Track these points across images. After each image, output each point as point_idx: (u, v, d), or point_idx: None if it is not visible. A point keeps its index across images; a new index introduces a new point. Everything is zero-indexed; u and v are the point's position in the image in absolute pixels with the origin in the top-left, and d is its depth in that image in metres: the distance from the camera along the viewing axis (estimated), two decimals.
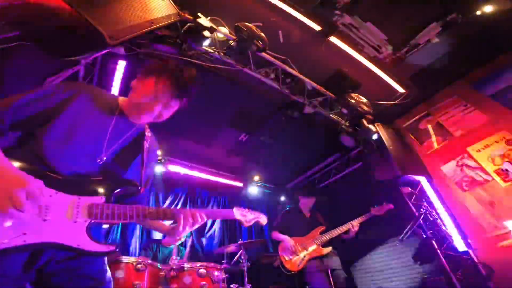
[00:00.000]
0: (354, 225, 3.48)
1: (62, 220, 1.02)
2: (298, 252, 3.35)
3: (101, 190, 1.14)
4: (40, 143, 1.09)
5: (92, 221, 1.07)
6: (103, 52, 2.70)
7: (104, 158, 1.23)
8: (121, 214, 1.13)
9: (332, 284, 3.18)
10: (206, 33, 2.98)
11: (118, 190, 1.20)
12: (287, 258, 3.34)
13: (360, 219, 3.56)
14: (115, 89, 3.63)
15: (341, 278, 3.33)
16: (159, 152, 1.67)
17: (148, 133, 1.46)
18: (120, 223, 3.41)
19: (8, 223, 0.90)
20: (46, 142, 1.09)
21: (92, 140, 1.22)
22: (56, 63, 2.72)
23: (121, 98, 1.42)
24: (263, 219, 1.71)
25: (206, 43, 3.10)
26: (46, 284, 1.04)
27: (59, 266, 1.06)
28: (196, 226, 1.32)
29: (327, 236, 3.47)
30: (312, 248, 3.39)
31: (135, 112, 1.32)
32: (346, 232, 3.49)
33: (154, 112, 1.29)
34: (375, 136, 4.08)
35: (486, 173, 3.67)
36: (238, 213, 1.59)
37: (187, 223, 1.27)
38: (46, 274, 1.04)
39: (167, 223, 1.46)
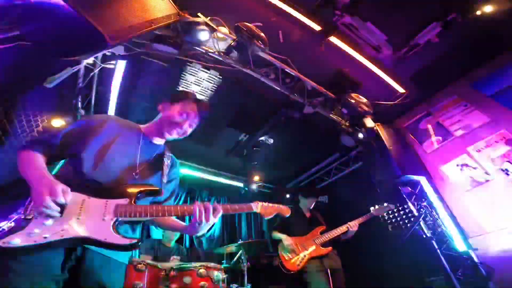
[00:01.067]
0: (352, 225, 3.47)
1: (93, 219, 1.22)
2: (298, 252, 3.34)
3: (125, 193, 1.35)
4: (81, 161, 1.34)
5: (119, 219, 1.27)
6: (103, 52, 2.70)
7: (138, 174, 1.46)
8: (143, 211, 1.32)
9: (332, 284, 3.18)
10: (206, 33, 2.98)
11: (140, 192, 1.39)
12: (286, 258, 3.33)
13: (360, 220, 3.55)
14: (115, 89, 3.63)
15: (341, 278, 3.33)
16: (181, 171, 1.90)
17: (168, 153, 1.71)
18: None
19: (49, 222, 1.12)
20: (85, 160, 1.34)
21: (126, 156, 1.47)
22: (56, 63, 2.72)
23: (141, 125, 1.70)
24: (286, 211, 1.82)
25: (206, 43, 3.10)
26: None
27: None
28: (214, 219, 1.43)
29: (327, 236, 3.46)
30: (312, 247, 3.39)
31: (166, 130, 1.62)
32: (345, 233, 3.48)
33: (184, 129, 1.65)
34: (362, 135, 4.08)
35: (486, 173, 3.67)
36: (258, 206, 1.70)
37: (201, 216, 1.39)
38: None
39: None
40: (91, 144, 1.40)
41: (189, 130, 1.70)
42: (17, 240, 1.04)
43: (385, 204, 3.70)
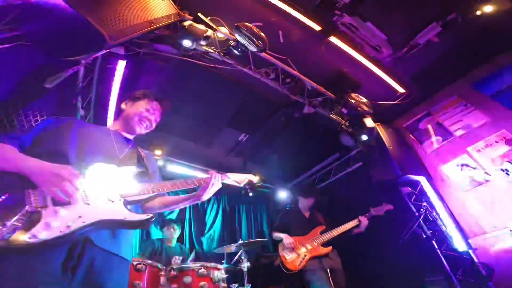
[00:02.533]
0: (348, 226, 3.52)
1: (102, 202, 1.23)
2: (298, 251, 3.35)
3: (122, 175, 1.41)
4: (63, 155, 1.31)
5: (126, 198, 1.32)
6: (103, 52, 2.70)
7: (121, 157, 1.54)
8: (145, 188, 1.42)
9: (332, 284, 3.18)
10: (206, 33, 2.98)
11: (136, 173, 1.49)
12: (287, 257, 3.33)
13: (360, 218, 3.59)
14: (115, 89, 3.62)
15: (341, 278, 3.33)
16: (157, 162, 2.09)
17: (140, 149, 1.80)
18: None
19: (63, 211, 1.08)
20: (67, 154, 1.32)
21: (104, 147, 1.52)
22: (56, 63, 2.72)
23: (107, 125, 1.87)
24: (254, 178, 2.03)
25: (206, 43, 3.10)
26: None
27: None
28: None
29: (327, 236, 3.47)
30: (312, 247, 3.39)
31: (136, 124, 1.75)
32: (357, 226, 3.55)
33: (151, 122, 1.82)
34: (366, 137, 4.08)
35: (486, 173, 3.67)
36: (231, 178, 1.90)
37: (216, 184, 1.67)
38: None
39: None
40: (69, 140, 1.39)
41: (154, 125, 1.85)
42: (42, 233, 0.97)
43: (384, 204, 3.73)
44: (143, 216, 1.27)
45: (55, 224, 1.02)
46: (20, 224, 0.96)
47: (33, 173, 1.11)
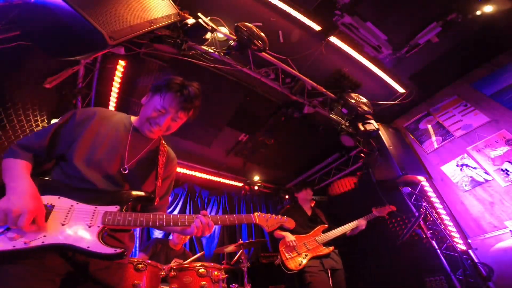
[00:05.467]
0: (351, 226, 3.52)
1: (79, 225, 1.16)
2: (300, 250, 3.33)
3: (116, 200, 1.29)
4: (69, 162, 1.29)
5: (106, 227, 1.19)
6: (103, 52, 2.70)
7: (126, 169, 1.38)
8: (132, 220, 1.24)
9: (332, 284, 3.17)
10: (206, 33, 2.98)
11: (132, 200, 1.33)
12: (288, 257, 3.31)
13: (364, 219, 3.60)
14: (115, 89, 3.63)
15: (341, 278, 3.32)
16: (178, 169, 1.72)
17: (163, 148, 1.58)
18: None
19: (31, 227, 1.05)
20: (74, 160, 1.28)
21: (114, 153, 1.38)
22: (56, 63, 2.72)
23: (132, 117, 1.57)
24: (289, 223, 1.77)
25: (206, 43, 3.10)
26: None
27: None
28: (208, 233, 1.38)
29: (329, 235, 3.46)
30: (313, 246, 3.38)
31: (146, 128, 1.46)
32: (352, 230, 3.54)
33: (163, 125, 1.44)
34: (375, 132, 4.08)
35: (486, 173, 3.67)
36: (259, 218, 1.62)
37: (199, 232, 1.33)
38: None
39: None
40: (78, 143, 1.33)
41: (175, 125, 1.50)
42: None
43: (387, 206, 3.73)
44: (110, 250, 1.13)
45: (16, 238, 1.03)
46: None
47: (6, 194, 1.10)
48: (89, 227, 1.17)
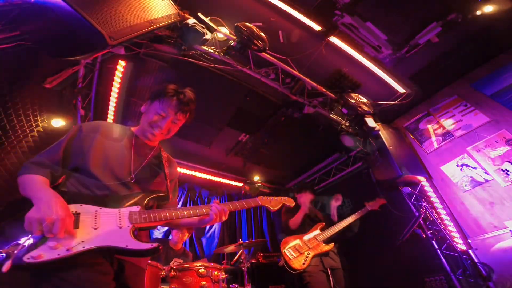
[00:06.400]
0: (349, 220, 3.55)
1: (110, 227, 1.22)
2: (302, 250, 3.33)
3: (135, 201, 1.37)
4: (87, 172, 1.36)
5: (135, 225, 1.27)
6: (103, 52, 2.70)
7: (133, 176, 1.46)
8: (157, 216, 1.34)
9: (332, 284, 3.18)
10: (207, 34, 2.98)
11: (151, 199, 1.44)
12: (290, 257, 3.32)
13: (356, 215, 3.63)
14: (115, 89, 3.63)
15: (341, 277, 3.32)
16: (178, 169, 1.89)
17: (164, 154, 1.70)
18: None
19: (68, 236, 1.10)
20: (92, 170, 1.36)
21: (123, 161, 1.48)
22: (56, 63, 2.72)
23: (132, 128, 1.68)
24: (289, 201, 1.91)
25: (206, 43, 3.09)
26: None
27: None
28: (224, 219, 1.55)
29: (328, 233, 3.48)
30: (314, 245, 3.39)
31: (149, 132, 1.58)
32: (349, 229, 3.57)
33: (165, 128, 1.57)
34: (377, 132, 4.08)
35: (486, 173, 3.67)
36: (262, 200, 1.79)
37: (217, 219, 1.50)
38: None
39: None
40: (91, 154, 1.41)
41: (174, 127, 1.63)
42: (41, 255, 1.02)
43: (378, 198, 3.77)
44: (146, 246, 1.22)
45: (57, 247, 1.06)
46: (26, 245, 1.03)
47: (35, 205, 1.14)
48: (120, 228, 1.23)
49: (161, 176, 1.59)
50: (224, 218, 1.52)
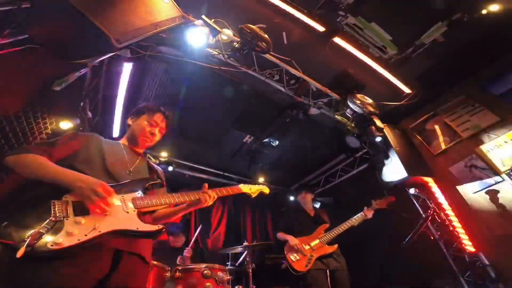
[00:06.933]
0: (354, 221, 3.51)
1: (119, 212, 1.32)
2: (305, 252, 3.32)
3: (135, 187, 1.51)
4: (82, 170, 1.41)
5: (140, 209, 1.39)
6: (110, 55, 2.74)
7: (131, 170, 1.64)
8: (158, 200, 1.50)
9: (336, 285, 3.16)
10: (211, 36, 3.00)
11: (149, 184, 1.61)
12: (293, 259, 3.31)
13: (362, 215, 3.59)
14: (121, 91, 3.68)
15: (344, 278, 3.29)
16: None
17: (150, 161, 1.94)
18: None
19: (83, 220, 1.17)
20: (87, 168, 1.42)
21: (118, 160, 1.64)
22: (63, 66, 2.77)
23: (119, 140, 1.90)
24: (266, 189, 2.24)
25: (210, 45, 3.12)
26: None
27: None
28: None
29: (332, 234, 3.45)
30: (317, 247, 3.37)
31: (142, 138, 1.83)
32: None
33: (154, 134, 1.86)
34: (380, 138, 4.04)
35: (496, 174, 3.60)
36: (244, 187, 2.08)
37: (206, 202, 1.74)
38: None
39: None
40: (87, 158, 1.50)
41: (159, 135, 1.92)
42: (62, 242, 1.06)
43: (386, 197, 3.71)
44: (154, 227, 1.34)
45: (74, 233, 1.11)
46: (44, 232, 1.06)
47: (72, 185, 1.23)
48: (127, 212, 1.34)
49: (153, 171, 1.82)
50: (210, 203, 1.76)
